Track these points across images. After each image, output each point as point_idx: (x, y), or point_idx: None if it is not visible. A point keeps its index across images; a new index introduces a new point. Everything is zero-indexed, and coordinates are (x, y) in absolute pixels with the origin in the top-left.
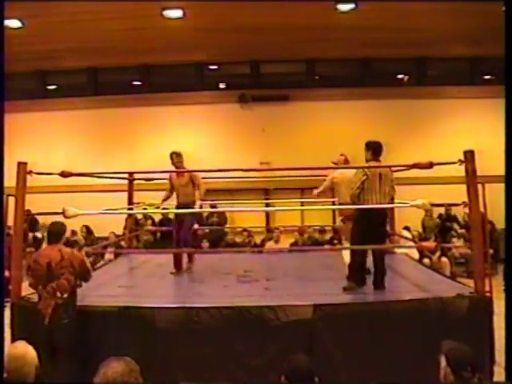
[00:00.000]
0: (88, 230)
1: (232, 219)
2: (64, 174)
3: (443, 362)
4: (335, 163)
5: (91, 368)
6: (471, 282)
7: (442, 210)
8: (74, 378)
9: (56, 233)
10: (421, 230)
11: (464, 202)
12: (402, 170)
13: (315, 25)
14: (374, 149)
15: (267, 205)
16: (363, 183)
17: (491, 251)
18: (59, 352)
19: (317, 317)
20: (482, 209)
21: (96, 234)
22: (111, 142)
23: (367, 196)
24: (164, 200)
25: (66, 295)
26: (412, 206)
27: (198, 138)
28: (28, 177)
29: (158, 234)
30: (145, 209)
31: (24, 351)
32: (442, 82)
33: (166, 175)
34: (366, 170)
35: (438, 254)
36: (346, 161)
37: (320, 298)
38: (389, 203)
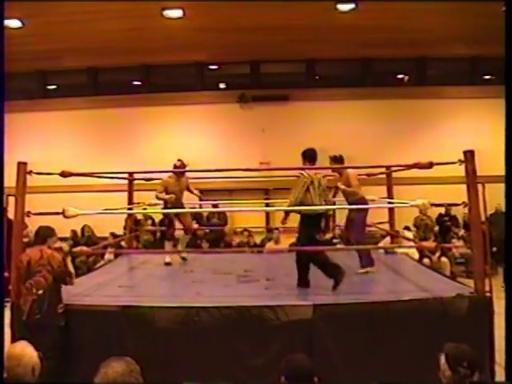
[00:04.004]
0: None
1: (232, 219)
2: (64, 174)
3: (442, 359)
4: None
5: (91, 368)
6: (471, 282)
7: (442, 210)
8: (68, 378)
9: (41, 235)
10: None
11: (464, 202)
12: (402, 170)
13: (315, 25)
14: (310, 156)
15: (267, 205)
16: (308, 188)
17: (494, 249)
18: (42, 349)
19: (317, 317)
20: (481, 209)
21: (96, 234)
22: (111, 141)
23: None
24: None
25: (40, 291)
26: (412, 205)
27: (198, 138)
28: (28, 177)
29: (158, 234)
30: (145, 209)
31: (20, 351)
32: (442, 82)
33: (166, 175)
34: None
35: (438, 254)
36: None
37: (320, 297)
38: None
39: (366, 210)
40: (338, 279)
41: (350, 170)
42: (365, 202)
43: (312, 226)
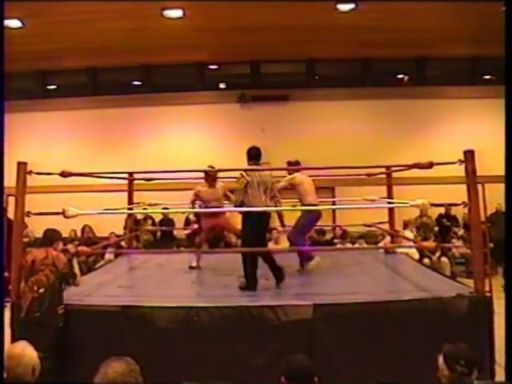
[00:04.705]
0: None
1: (232, 219)
2: (64, 174)
3: (440, 359)
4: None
5: (91, 368)
6: (471, 282)
7: (442, 210)
8: (68, 378)
9: (48, 238)
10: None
11: (464, 202)
12: (402, 170)
13: (315, 25)
14: (255, 155)
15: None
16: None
17: (491, 245)
18: (39, 347)
19: (317, 317)
20: (481, 209)
21: (96, 234)
22: (111, 141)
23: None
24: None
25: (42, 290)
26: (412, 205)
27: (198, 138)
28: (28, 177)
29: (158, 234)
30: (145, 209)
31: (20, 351)
32: (442, 81)
33: (166, 175)
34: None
35: (438, 254)
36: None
37: (320, 297)
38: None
39: (311, 216)
40: (280, 279)
41: (295, 176)
42: (311, 210)
43: (253, 226)
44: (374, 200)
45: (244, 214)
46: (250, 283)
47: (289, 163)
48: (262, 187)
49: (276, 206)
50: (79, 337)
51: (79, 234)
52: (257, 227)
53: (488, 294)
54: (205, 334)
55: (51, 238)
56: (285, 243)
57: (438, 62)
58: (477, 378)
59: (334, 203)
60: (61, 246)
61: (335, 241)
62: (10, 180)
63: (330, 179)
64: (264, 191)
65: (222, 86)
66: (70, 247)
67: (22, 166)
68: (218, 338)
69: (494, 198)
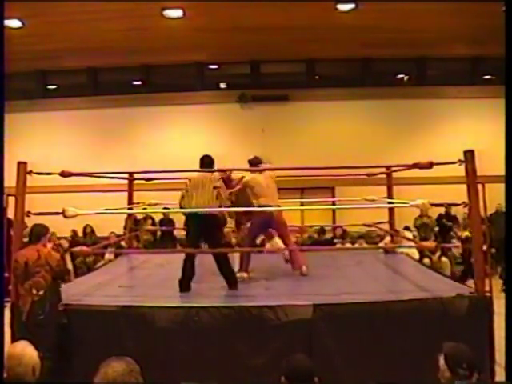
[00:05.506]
0: (91, 230)
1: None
2: (64, 174)
3: (441, 360)
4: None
5: (91, 368)
6: (471, 282)
7: (442, 210)
8: (68, 378)
9: (35, 234)
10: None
11: (464, 202)
12: (402, 170)
13: (315, 25)
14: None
15: None
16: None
17: (493, 250)
18: (42, 349)
19: (317, 317)
20: (481, 209)
21: (96, 234)
22: (111, 141)
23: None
24: None
25: (41, 292)
26: (412, 205)
27: (198, 138)
28: (28, 177)
29: (158, 234)
30: (145, 209)
31: (21, 351)
32: (442, 82)
33: (166, 175)
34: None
35: (438, 254)
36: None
37: (320, 297)
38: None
39: (259, 218)
40: (232, 283)
41: (245, 178)
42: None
43: (192, 228)
44: (373, 200)
45: (186, 217)
46: (182, 282)
47: (249, 162)
48: (199, 189)
49: (221, 206)
50: (79, 337)
51: (80, 234)
52: (192, 228)
53: (488, 294)
54: (204, 334)
55: (38, 233)
56: (278, 242)
57: (438, 61)
58: (477, 379)
59: (333, 203)
60: (50, 241)
61: (335, 241)
62: (10, 180)
63: (330, 179)
64: (201, 193)
65: (222, 85)
66: (63, 242)
67: (21, 165)
68: (218, 338)
69: (494, 198)
